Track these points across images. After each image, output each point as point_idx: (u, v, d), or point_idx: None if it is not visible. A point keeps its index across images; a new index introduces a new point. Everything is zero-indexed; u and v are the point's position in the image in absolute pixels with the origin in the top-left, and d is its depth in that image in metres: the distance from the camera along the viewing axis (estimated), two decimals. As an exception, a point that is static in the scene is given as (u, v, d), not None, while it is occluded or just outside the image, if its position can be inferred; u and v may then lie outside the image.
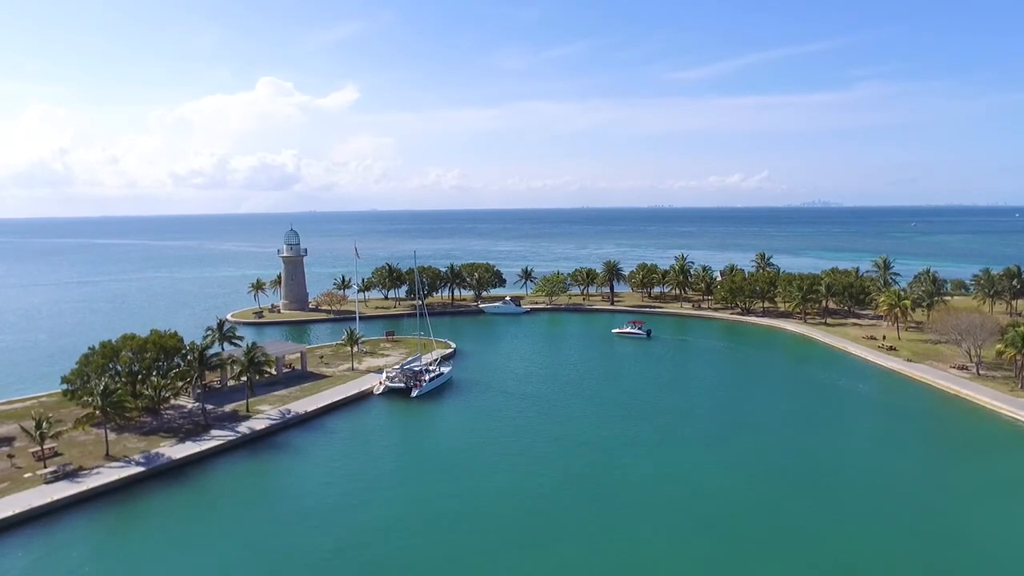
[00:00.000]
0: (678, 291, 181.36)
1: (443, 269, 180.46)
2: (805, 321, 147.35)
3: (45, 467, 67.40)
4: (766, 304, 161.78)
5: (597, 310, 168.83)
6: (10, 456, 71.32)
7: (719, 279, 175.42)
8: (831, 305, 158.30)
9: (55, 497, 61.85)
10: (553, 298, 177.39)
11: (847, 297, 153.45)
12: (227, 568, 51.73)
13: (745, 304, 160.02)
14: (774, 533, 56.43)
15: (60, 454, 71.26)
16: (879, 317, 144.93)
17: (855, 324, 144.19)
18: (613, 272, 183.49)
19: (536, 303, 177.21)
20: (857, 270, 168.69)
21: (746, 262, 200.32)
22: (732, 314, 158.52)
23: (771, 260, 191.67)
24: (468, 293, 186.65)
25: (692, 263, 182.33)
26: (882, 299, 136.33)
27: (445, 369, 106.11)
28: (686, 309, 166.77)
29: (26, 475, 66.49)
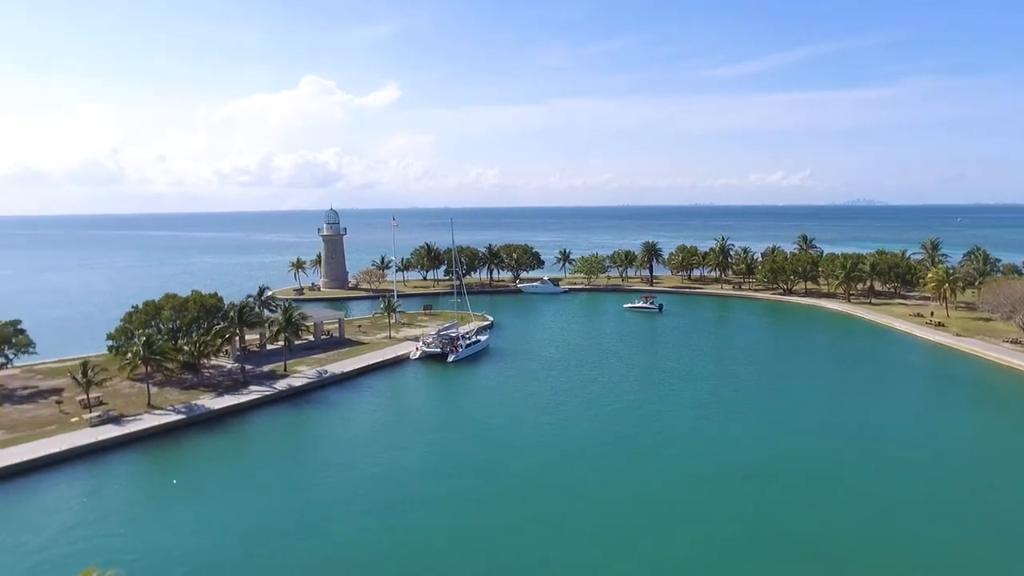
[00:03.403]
0: (718, 273, 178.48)
1: (481, 250, 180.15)
2: (849, 301, 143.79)
3: (91, 412, 68.63)
4: (808, 285, 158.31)
5: (636, 291, 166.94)
6: (58, 403, 73.22)
7: (760, 260, 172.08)
8: (876, 286, 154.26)
9: (99, 438, 63.20)
10: (591, 279, 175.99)
11: (893, 277, 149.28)
12: (258, 508, 51.76)
13: (787, 284, 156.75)
14: (821, 483, 54.82)
15: (105, 403, 72.49)
16: (927, 298, 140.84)
17: (901, 304, 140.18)
18: (652, 253, 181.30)
19: (574, 284, 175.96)
20: (904, 252, 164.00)
21: (788, 246, 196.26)
22: (773, 294, 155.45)
23: (814, 243, 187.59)
24: (506, 274, 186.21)
25: (732, 245, 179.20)
26: (929, 276, 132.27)
27: (482, 337, 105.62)
28: (727, 290, 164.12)
29: (73, 419, 67.93)
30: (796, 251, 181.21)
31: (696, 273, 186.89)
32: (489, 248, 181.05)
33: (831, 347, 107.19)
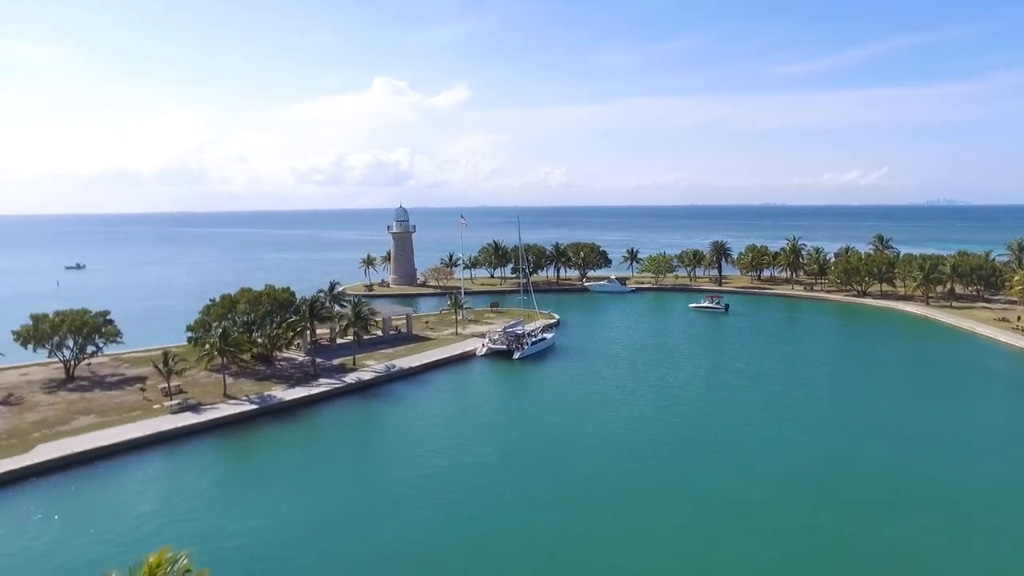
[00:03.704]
0: (789, 273, 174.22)
1: (548, 248, 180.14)
2: (927, 303, 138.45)
3: (172, 400, 71.54)
4: (884, 287, 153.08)
5: (704, 291, 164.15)
6: (142, 390, 76.85)
7: (833, 260, 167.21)
8: (957, 289, 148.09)
9: (178, 424, 65.90)
10: (659, 278, 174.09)
11: (976, 279, 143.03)
12: (326, 498, 52.98)
13: (861, 286, 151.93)
14: (893, 490, 53.06)
15: (184, 392, 75.37)
16: (1013, 301, 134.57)
17: (985, 307, 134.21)
18: (721, 252, 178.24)
19: (641, 283, 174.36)
20: (988, 254, 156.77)
21: (863, 247, 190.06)
22: (847, 296, 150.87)
23: (890, 243, 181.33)
24: (573, 273, 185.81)
25: (804, 244, 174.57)
26: (1016, 278, 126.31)
27: (548, 335, 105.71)
28: (797, 291, 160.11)
29: (155, 406, 70.99)
30: (871, 251, 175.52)
31: (766, 273, 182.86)
32: (556, 246, 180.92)
33: (907, 351, 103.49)
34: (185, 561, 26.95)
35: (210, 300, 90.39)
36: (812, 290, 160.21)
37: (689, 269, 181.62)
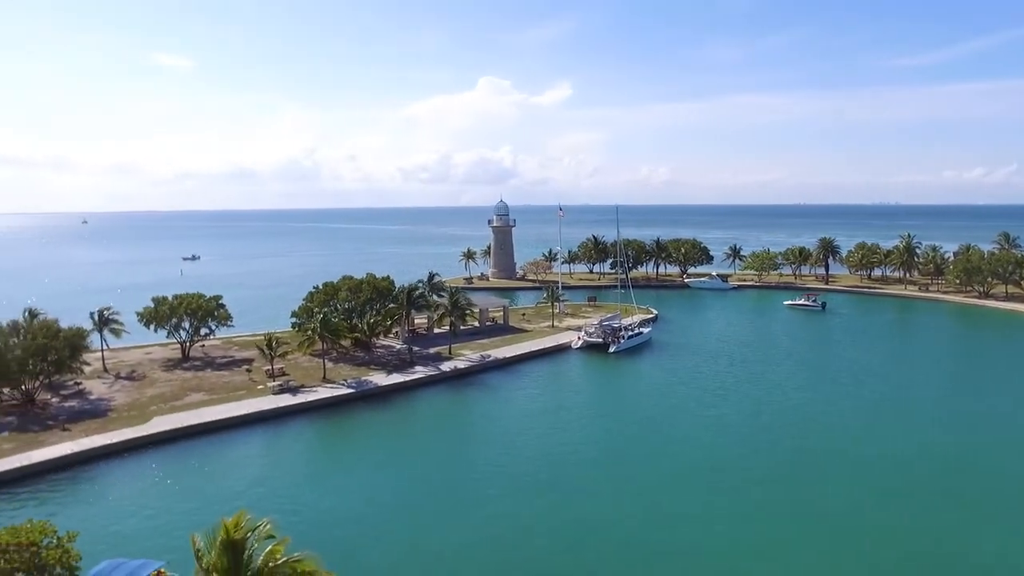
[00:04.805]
0: (902, 273, 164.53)
1: (648, 244, 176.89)
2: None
3: (274, 381, 73.94)
4: (1010, 288, 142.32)
5: (809, 289, 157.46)
6: (248, 371, 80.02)
7: (951, 259, 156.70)
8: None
9: (280, 405, 68.12)
10: (762, 275, 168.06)
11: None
12: (418, 481, 53.23)
13: (983, 287, 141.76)
14: (1011, 503, 48.83)
15: (287, 374, 77.68)
16: None
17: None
18: (829, 250, 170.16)
19: (744, 281, 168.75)
20: None
21: (986, 246, 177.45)
22: (967, 297, 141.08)
23: (1017, 241, 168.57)
24: (673, 269, 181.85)
25: (919, 243, 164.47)
26: None
27: (645, 330, 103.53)
28: (911, 291, 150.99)
29: (259, 387, 73.58)
30: (996, 250, 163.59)
31: (877, 273, 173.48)
32: (656, 242, 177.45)
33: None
34: (268, 527, 27.22)
35: (313, 288, 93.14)
36: (927, 291, 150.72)
37: (794, 267, 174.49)
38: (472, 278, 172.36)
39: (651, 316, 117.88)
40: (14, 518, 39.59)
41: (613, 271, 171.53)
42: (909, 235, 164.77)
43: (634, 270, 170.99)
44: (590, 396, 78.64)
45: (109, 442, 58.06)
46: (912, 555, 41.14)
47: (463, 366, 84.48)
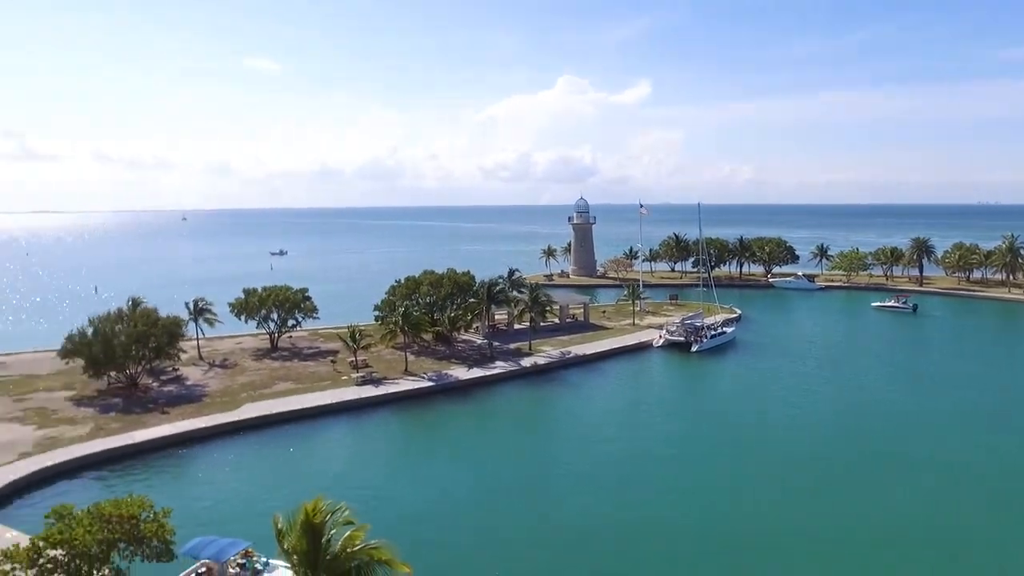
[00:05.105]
0: (1005, 275, 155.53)
1: (731, 242, 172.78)
2: None
3: (357, 372, 75.47)
4: None
5: (902, 291, 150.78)
6: (332, 362, 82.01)
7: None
8: None
9: (362, 395, 69.49)
10: (850, 276, 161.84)
11: None
12: (495, 474, 53.46)
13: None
14: None
15: (370, 366, 79.13)
16: None
17: None
18: (923, 250, 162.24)
19: (831, 281, 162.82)
20: None
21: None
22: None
23: None
24: (757, 269, 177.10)
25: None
26: None
27: (728, 329, 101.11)
28: (1016, 294, 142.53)
29: (343, 377, 75.29)
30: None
31: (976, 275, 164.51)
32: (740, 240, 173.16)
33: None
34: (347, 513, 27.70)
35: (395, 282, 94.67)
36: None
37: (885, 268, 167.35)
38: (552, 275, 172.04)
39: (734, 316, 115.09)
40: (117, 492, 41.58)
41: (695, 270, 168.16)
42: (1012, 235, 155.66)
43: (716, 269, 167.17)
44: (671, 395, 77.43)
45: (203, 425, 60.47)
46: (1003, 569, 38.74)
47: (543, 362, 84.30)
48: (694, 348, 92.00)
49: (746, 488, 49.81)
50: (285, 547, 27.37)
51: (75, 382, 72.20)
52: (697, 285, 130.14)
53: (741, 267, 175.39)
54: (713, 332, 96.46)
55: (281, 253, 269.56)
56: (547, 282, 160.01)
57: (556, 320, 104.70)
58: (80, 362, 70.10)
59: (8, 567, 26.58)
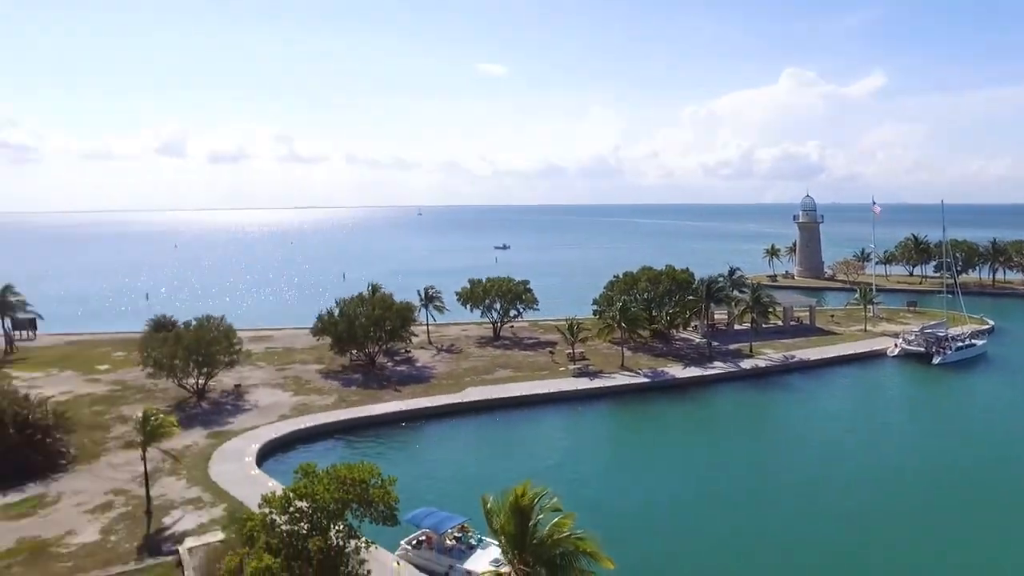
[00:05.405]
0: None
1: (983, 246, 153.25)
2: None
3: (574, 364, 76.17)
4: None
5: None
6: (551, 353, 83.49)
7: None
8: None
9: (577, 387, 70.04)
10: None
11: None
12: (708, 476, 51.38)
13: None
14: None
15: (587, 359, 79.49)
16: None
17: None
18: None
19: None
20: None
21: None
22: None
23: None
24: (1015, 276, 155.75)
25: None
26: None
27: (978, 342, 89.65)
28: None
29: (560, 368, 76.33)
30: None
31: None
32: (992, 243, 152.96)
33: None
34: (555, 500, 27.68)
35: (614, 277, 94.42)
36: None
37: None
38: (776, 276, 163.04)
39: (986, 327, 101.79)
40: (351, 457, 44.94)
41: (937, 275, 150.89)
42: None
43: (964, 275, 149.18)
44: (907, 410, 69.95)
45: (430, 405, 64.08)
46: None
47: (764, 365, 79.87)
48: (936, 360, 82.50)
49: (996, 529, 43.36)
50: (494, 527, 27.92)
51: (324, 357, 79.51)
52: (940, 291, 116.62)
53: (994, 273, 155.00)
54: (959, 344, 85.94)
55: (504, 247, 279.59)
56: (770, 283, 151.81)
57: (779, 322, 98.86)
58: (328, 340, 77.13)
59: (267, 510, 29.71)
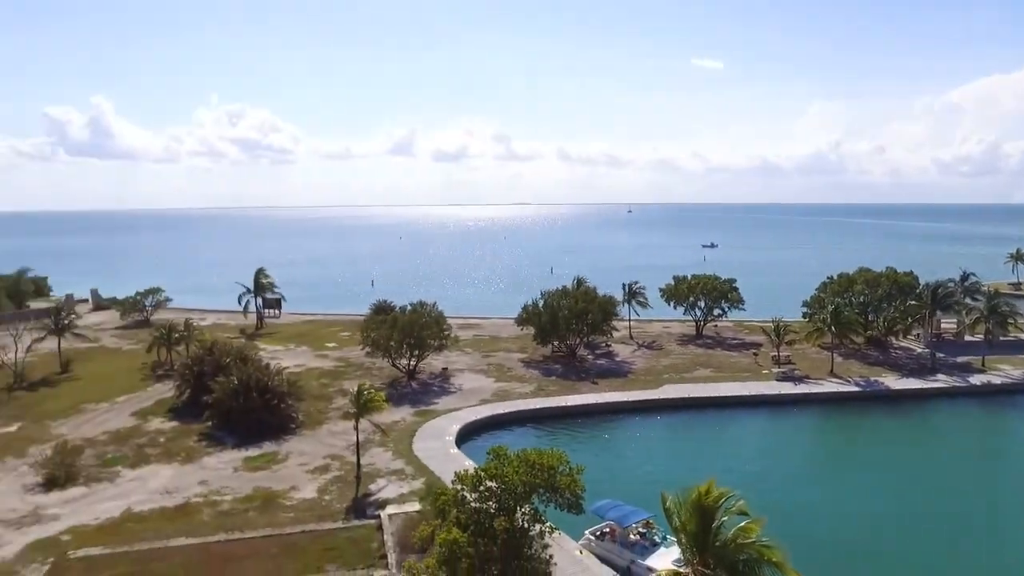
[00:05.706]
0: None
1: None
2: None
3: (779, 368, 72.38)
4: None
5: None
6: (754, 355, 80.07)
7: None
8: None
9: (781, 391, 66.58)
10: None
11: None
12: (919, 496, 46.78)
13: None
14: None
15: (792, 363, 74.90)
16: None
17: None
18: None
19: None
20: None
21: None
22: None
23: None
24: None
25: None
26: None
27: None
28: None
29: (763, 371, 72.93)
30: None
31: None
32: None
33: None
34: (741, 503, 26.23)
35: (828, 278, 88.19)
36: None
37: None
38: (1021, 283, 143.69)
39: None
40: (542, 443, 45.98)
41: None
42: None
43: None
44: None
45: (625, 399, 63.82)
46: None
47: (999, 382, 70.54)
48: None
49: None
50: (675, 525, 27.11)
51: (527, 346, 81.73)
52: None
53: None
54: None
55: (712, 246, 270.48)
56: (1012, 291, 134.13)
57: (1022, 335, 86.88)
58: (531, 330, 79.16)
59: (459, 486, 31.21)
